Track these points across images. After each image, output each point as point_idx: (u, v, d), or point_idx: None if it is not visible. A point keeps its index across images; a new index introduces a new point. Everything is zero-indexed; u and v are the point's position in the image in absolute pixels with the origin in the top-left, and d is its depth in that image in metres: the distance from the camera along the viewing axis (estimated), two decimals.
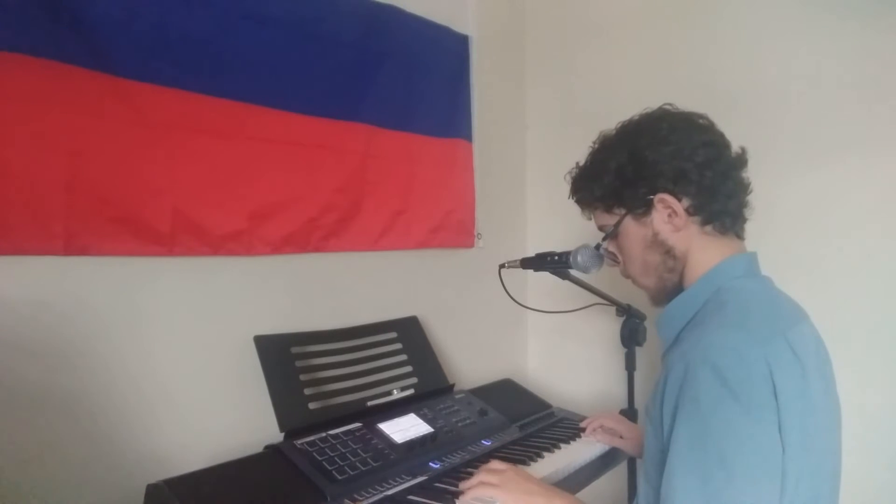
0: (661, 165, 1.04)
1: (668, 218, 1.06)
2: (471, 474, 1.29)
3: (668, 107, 1.11)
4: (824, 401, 0.99)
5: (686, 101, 1.13)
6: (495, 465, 1.22)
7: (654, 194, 1.05)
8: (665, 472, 0.93)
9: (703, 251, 1.07)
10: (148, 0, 1.30)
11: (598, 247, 1.20)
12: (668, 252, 1.08)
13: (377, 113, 1.78)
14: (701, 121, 1.08)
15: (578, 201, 1.19)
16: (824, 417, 0.98)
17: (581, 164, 1.18)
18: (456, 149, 2.05)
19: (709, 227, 1.06)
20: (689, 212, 1.05)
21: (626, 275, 1.18)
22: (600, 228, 1.17)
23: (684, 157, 1.03)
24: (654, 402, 0.99)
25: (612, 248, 1.18)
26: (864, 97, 1.64)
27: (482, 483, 1.18)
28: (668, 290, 1.11)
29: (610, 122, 1.17)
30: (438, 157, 1.99)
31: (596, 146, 1.16)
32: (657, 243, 1.08)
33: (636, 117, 1.12)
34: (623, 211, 1.10)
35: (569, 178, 1.20)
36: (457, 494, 1.21)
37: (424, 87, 1.93)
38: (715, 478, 0.86)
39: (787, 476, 0.88)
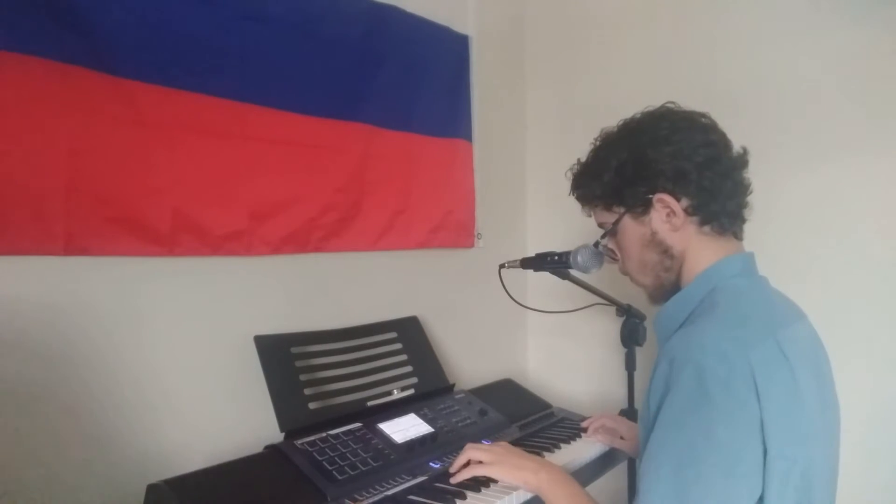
0: (661, 165, 1.04)
1: (667, 217, 1.07)
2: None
3: (670, 105, 1.11)
4: (818, 402, 0.99)
5: (686, 101, 1.13)
6: (480, 445, 1.24)
7: (654, 194, 1.06)
8: (642, 466, 0.95)
9: (700, 251, 1.07)
10: (148, 0, 1.30)
11: (596, 244, 1.21)
12: (666, 251, 1.09)
13: (377, 113, 1.78)
14: (703, 120, 1.08)
15: (579, 198, 1.20)
16: (818, 418, 0.98)
17: (582, 160, 1.18)
18: (456, 149, 2.05)
19: (707, 228, 1.06)
20: (688, 212, 1.05)
21: (625, 272, 1.18)
22: (600, 225, 1.18)
23: (684, 157, 1.03)
24: (644, 399, 1.00)
25: (611, 246, 1.19)
26: (864, 97, 1.64)
27: (472, 463, 1.20)
28: (665, 289, 1.12)
29: (610, 121, 1.17)
30: (438, 157, 1.99)
31: (598, 143, 1.16)
32: (655, 242, 1.09)
33: (638, 115, 1.12)
34: (622, 209, 1.11)
35: (570, 175, 1.20)
36: (457, 494, 1.21)
37: (424, 86, 1.93)
38: (686, 475, 0.88)
39: (772, 475, 0.89)
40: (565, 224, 2.03)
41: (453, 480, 1.22)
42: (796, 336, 1.00)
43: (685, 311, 1.06)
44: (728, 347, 0.90)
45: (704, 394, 0.88)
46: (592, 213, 1.19)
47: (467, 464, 1.22)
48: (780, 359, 0.92)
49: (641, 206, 1.08)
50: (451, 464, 1.26)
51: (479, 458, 1.19)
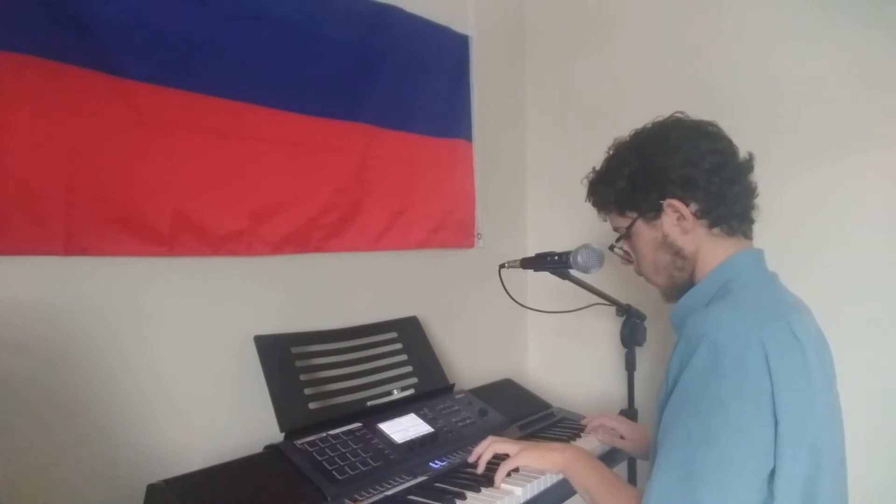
0: (671, 172, 1.10)
1: (677, 221, 1.13)
2: (471, 475, 1.30)
3: (679, 115, 1.17)
4: (825, 390, 1.03)
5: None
6: (503, 437, 1.33)
7: (664, 199, 1.12)
8: (656, 440, 1.01)
9: (711, 251, 1.13)
10: (148, 0, 1.30)
11: (611, 247, 1.27)
12: (678, 253, 1.15)
13: (377, 113, 1.78)
14: (710, 128, 1.14)
15: (594, 204, 1.27)
16: (826, 399, 1.02)
17: (597, 168, 1.25)
18: (456, 149, 2.05)
19: (716, 230, 1.12)
20: (697, 215, 1.11)
21: (639, 273, 1.24)
22: (615, 229, 1.24)
23: (693, 164, 1.09)
24: (661, 382, 1.05)
25: (625, 248, 1.25)
26: (865, 97, 1.64)
27: (504, 455, 1.26)
28: (679, 288, 1.18)
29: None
30: (438, 157, 1.98)
31: (611, 152, 1.23)
32: (667, 245, 1.15)
33: (649, 125, 1.18)
34: (635, 214, 1.17)
35: (585, 182, 1.27)
36: (457, 495, 1.21)
37: (424, 87, 1.93)
38: (694, 445, 0.93)
39: (783, 449, 0.93)
40: (565, 224, 2.03)
41: (479, 470, 1.28)
42: (805, 324, 1.04)
43: (701, 303, 1.11)
44: (742, 326, 0.96)
45: (718, 369, 0.93)
46: (607, 218, 1.26)
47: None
48: (792, 339, 0.97)
49: (653, 211, 1.14)
50: (471, 454, 1.33)
51: (506, 450, 1.26)
